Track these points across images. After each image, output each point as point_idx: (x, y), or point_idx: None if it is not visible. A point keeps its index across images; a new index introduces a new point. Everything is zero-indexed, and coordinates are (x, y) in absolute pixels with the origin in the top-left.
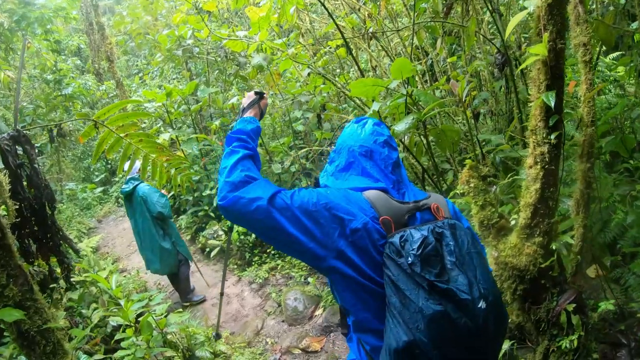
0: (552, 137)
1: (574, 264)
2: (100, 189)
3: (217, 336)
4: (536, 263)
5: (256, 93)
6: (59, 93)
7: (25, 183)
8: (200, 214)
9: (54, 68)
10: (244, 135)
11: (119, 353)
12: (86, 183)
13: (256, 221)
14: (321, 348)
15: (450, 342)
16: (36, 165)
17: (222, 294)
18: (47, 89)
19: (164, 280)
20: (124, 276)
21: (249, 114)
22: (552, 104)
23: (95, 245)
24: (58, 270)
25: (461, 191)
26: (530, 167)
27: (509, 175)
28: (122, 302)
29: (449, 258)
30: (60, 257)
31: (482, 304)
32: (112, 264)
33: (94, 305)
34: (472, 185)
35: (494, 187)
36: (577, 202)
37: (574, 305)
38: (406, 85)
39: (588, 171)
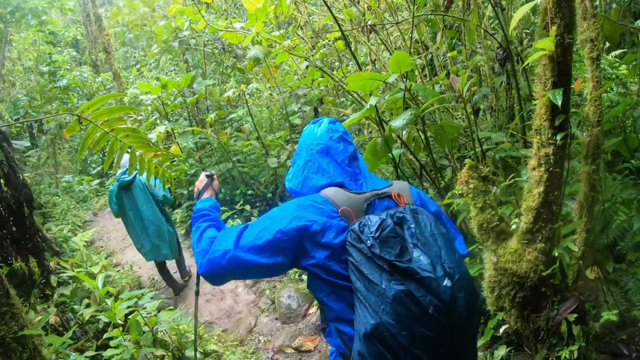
0: (558, 138)
1: (575, 269)
2: (97, 181)
3: None
4: (537, 270)
5: (207, 176)
6: (54, 85)
7: (2, 182)
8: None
9: (49, 60)
10: (204, 211)
11: (107, 353)
12: (83, 175)
13: (235, 269)
14: (314, 347)
15: (417, 322)
16: (14, 164)
17: (195, 349)
18: (41, 81)
19: (158, 275)
20: (117, 271)
21: (205, 196)
22: (559, 103)
23: (89, 239)
24: (52, 265)
25: (460, 192)
26: (534, 169)
27: (510, 177)
28: (109, 301)
29: (410, 240)
30: (40, 258)
31: (447, 282)
32: (106, 258)
33: (86, 300)
34: (471, 186)
35: (495, 187)
36: (580, 205)
37: (575, 315)
38: (405, 80)
39: (593, 173)
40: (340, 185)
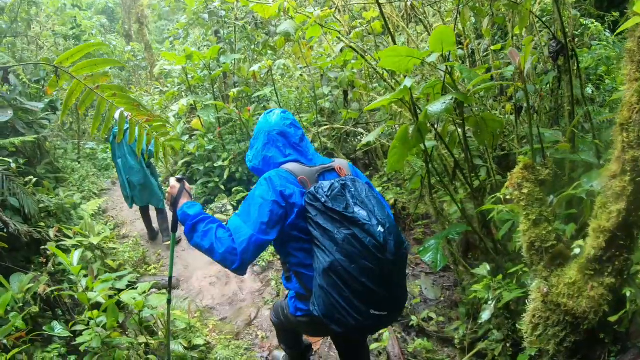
0: None
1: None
2: None
3: None
4: (599, 311)
5: (178, 180)
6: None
7: None
8: (210, 185)
9: (74, 24)
10: (200, 216)
11: (80, 338)
12: (109, 144)
13: (258, 250)
14: (315, 351)
15: (362, 257)
16: None
17: (169, 301)
18: (66, 45)
19: (165, 251)
20: (123, 243)
21: (183, 201)
22: None
23: (99, 207)
24: (51, 234)
25: (509, 196)
26: (614, 177)
27: (573, 186)
28: (83, 281)
29: (351, 200)
30: None
31: (380, 228)
32: (113, 229)
33: (83, 272)
34: (525, 191)
35: (551, 197)
36: None
37: None
38: (446, 61)
39: None
40: (296, 161)
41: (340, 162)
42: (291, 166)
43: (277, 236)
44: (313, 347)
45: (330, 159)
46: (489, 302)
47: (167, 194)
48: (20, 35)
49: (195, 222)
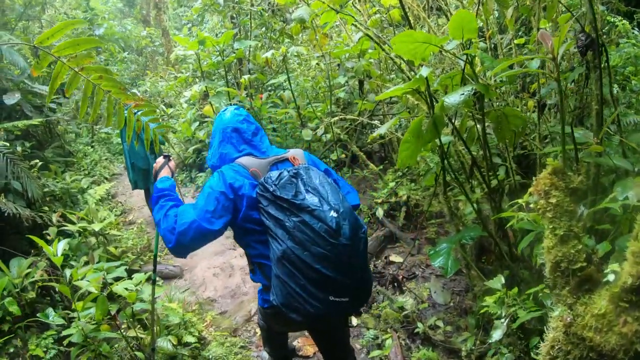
0: None
1: None
2: None
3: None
4: (630, 350)
5: (164, 157)
6: (92, 33)
7: None
8: None
9: (86, 7)
10: (165, 191)
11: (65, 332)
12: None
13: (198, 237)
14: (314, 353)
15: (314, 243)
16: None
17: (154, 281)
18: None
19: None
20: (128, 230)
21: (162, 175)
22: None
23: (106, 192)
24: (54, 218)
25: (533, 204)
26: None
27: (609, 198)
28: (68, 272)
29: (303, 187)
30: None
31: (333, 214)
32: (120, 214)
33: (84, 258)
34: (552, 200)
35: (581, 208)
36: None
37: None
38: (467, 48)
39: None
40: (249, 154)
41: (295, 152)
42: (244, 160)
43: (223, 228)
44: (311, 348)
45: (285, 149)
46: (502, 320)
47: (153, 170)
48: (34, 18)
49: (159, 195)
